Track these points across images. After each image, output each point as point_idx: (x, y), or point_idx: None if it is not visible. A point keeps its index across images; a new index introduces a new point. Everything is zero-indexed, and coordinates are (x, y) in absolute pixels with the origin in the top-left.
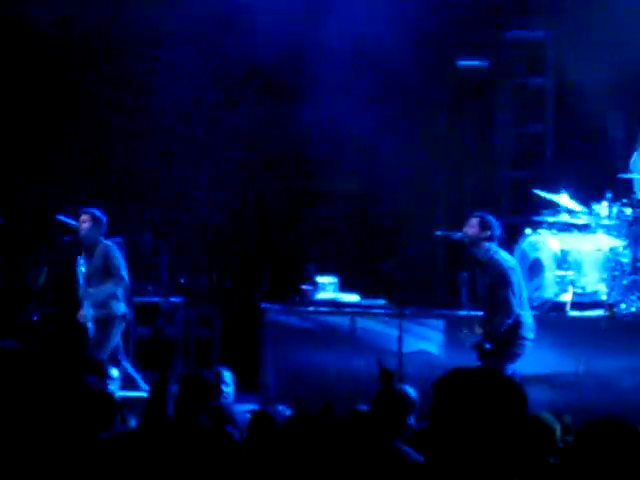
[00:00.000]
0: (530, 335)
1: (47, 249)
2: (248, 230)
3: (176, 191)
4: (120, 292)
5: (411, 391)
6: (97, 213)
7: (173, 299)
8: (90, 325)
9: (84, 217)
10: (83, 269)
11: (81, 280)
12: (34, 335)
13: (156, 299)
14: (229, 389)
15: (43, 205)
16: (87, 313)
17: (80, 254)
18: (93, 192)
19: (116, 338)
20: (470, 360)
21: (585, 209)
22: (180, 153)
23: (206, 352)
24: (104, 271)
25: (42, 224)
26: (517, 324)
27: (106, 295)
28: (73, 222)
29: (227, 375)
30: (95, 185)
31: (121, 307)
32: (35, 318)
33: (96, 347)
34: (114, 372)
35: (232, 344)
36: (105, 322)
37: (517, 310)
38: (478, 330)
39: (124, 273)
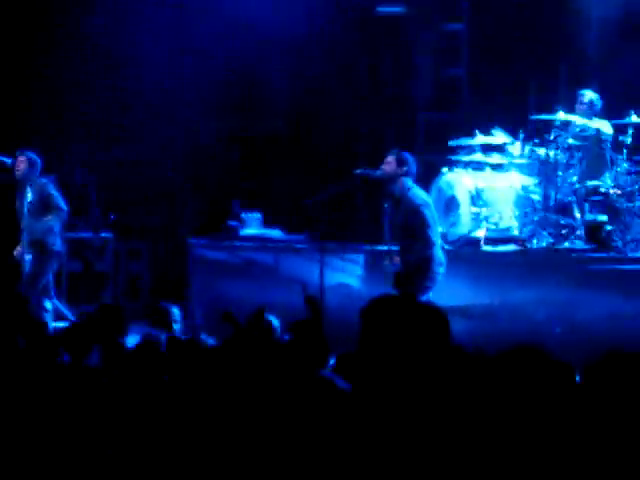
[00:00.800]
0: (440, 269)
1: None
2: (177, 166)
3: (105, 127)
4: (58, 227)
5: None
6: (32, 155)
7: (103, 234)
8: (27, 258)
9: (20, 158)
10: (21, 206)
11: (21, 217)
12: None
13: (87, 234)
14: (177, 325)
15: None
16: (23, 249)
17: (16, 193)
18: (26, 128)
19: (49, 273)
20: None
21: (507, 141)
22: (113, 89)
23: (136, 285)
24: (42, 207)
25: None
26: (428, 258)
27: (47, 227)
28: (8, 160)
29: (175, 312)
30: (27, 122)
31: (58, 242)
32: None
33: (31, 281)
34: (47, 305)
35: (161, 277)
36: (41, 257)
37: (434, 240)
38: (397, 259)
39: (63, 205)
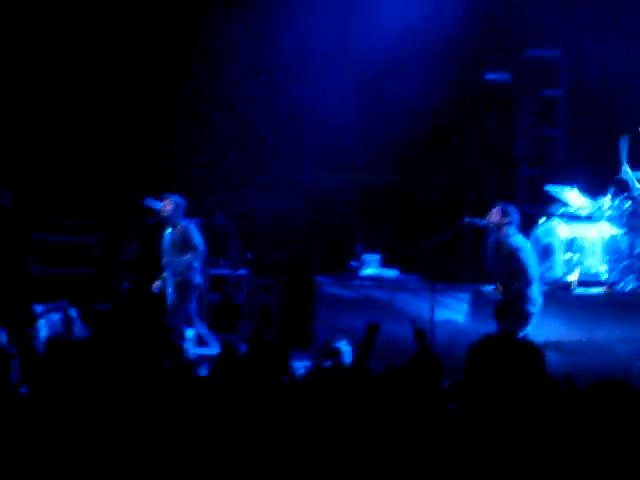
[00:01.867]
0: (534, 309)
1: (137, 228)
2: (306, 214)
3: (244, 176)
4: (197, 264)
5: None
6: (177, 199)
7: (241, 271)
8: (170, 291)
9: (167, 202)
10: (165, 245)
11: (164, 253)
12: (123, 300)
13: (226, 271)
14: (345, 358)
15: (135, 191)
16: (163, 283)
17: (162, 232)
18: (175, 182)
19: (191, 304)
20: (491, 328)
21: (591, 200)
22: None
23: (268, 317)
24: (183, 246)
25: (134, 208)
26: (524, 297)
27: (186, 264)
28: (157, 203)
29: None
30: (177, 176)
31: (197, 277)
32: (125, 286)
33: (173, 311)
34: (189, 333)
35: (290, 311)
36: (182, 289)
37: (531, 279)
38: (500, 289)
39: (201, 246)
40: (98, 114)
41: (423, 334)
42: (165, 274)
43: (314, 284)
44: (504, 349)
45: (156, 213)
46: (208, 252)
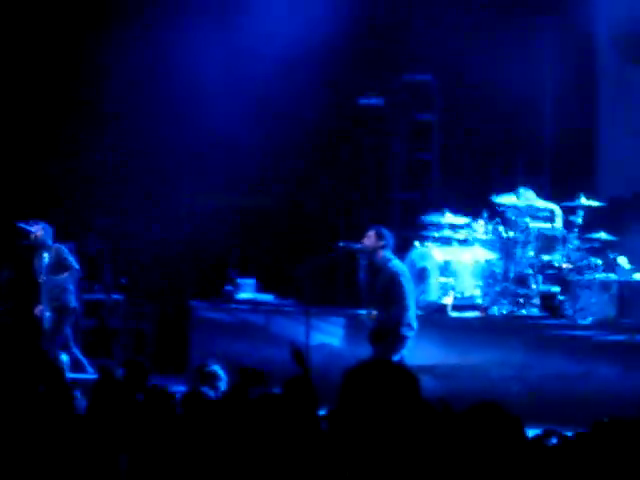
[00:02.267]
0: (410, 333)
1: (8, 251)
2: (180, 237)
3: (117, 202)
4: (72, 286)
5: None
6: (44, 225)
7: (115, 296)
8: (47, 315)
9: (35, 227)
10: (41, 267)
11: (39, 275)
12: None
13: (101, 296)
14: (221, 383)
15: (7, 213)
16: (43, 307)
17: (36, 255)
18: (48, 205)
19: (67, 328)
20: (366, 352)
21: (468, 220)
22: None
23: (142, 341)
24: (58, 267)
25: (7, 231)
26: (401, 322)
27: (62, 286)
28: (31, 228)
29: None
30: (50, 199)
31: (73, 300)
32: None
33: (51, 334)
34: (64, 357)
35: (165, 335)
36: (59, 312)
37: (409, 305)
38: (374, 316)
39: (76, 265)
40: None
41: (302, 356)
42: (42, 297)
43: (189, 308)
44: (379, 374)
45: (29, 236)
46: (82, 276)
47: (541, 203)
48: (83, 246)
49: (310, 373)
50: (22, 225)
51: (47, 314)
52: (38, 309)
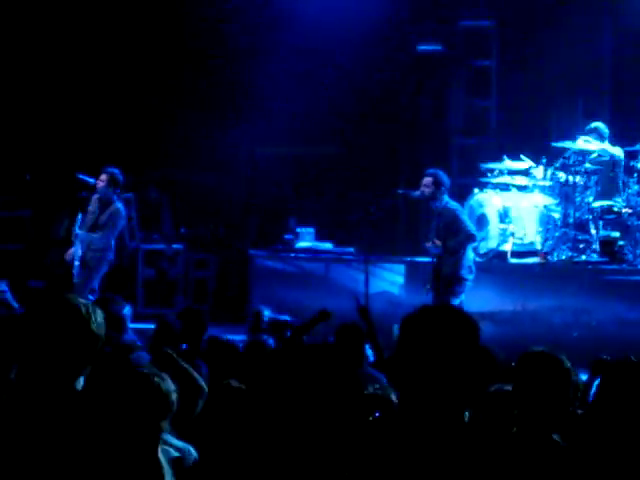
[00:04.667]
0: (469, 276)
1: (69, 203)
2: (239, 187)
3: (177, 153)
4: (109, 242)
5: None
6: (115, 172)
7: (175, 246)
8: (76, 264)
9: (103, 176)
10: (89, 220)
11: (78, 225)
12: (55, 276)
13: (161, 246)
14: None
15: (67, 164)
16: (75, 252)
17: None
18: (108, 157)
19: (97, 279)
20: (426, 299)
21: (528, 166)
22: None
23: (203, 291)
24: (100, 221)
25: (66, 181)
26: (458, 266)
27: (101, 241)
28: (91, 180)
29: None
30: (110, 151)
31: (110, 253)
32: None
33: (79, 286)
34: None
35: (225, 284)
36: (91, 262)
37: (470, 233)
38: (438, 242)
39: (117, 224)
40: (28, 88)
41: (367, 311)
42: (76, 246)
43: (248, 257)
44: (439, 319)
45: (89, 187)
46: (142, 228)
47: (601, 147)
48: (142, 196)
49: (374, 328)
50: (82, 177)
51: (76, 263)
52: (68, 253)
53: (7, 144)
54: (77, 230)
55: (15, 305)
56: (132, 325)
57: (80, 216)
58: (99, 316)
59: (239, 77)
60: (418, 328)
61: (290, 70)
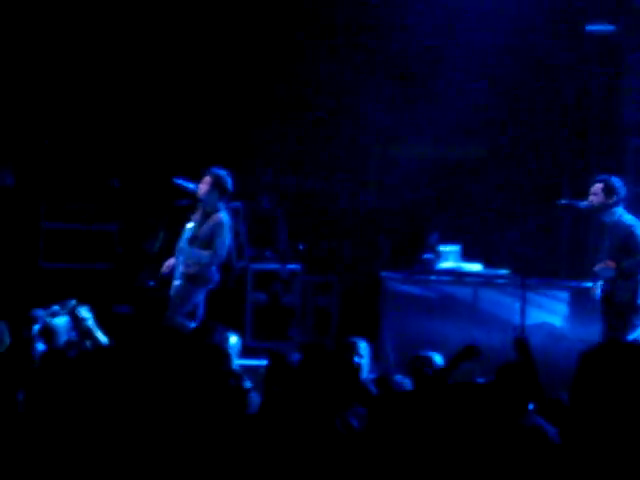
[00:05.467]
0: None
1: (165, 213)
2: (368, 197)
3: (295, 155)
4: (214, 264)
5: None
6: (221, 175)
7: (291, 266)
8: (177, 282)
9: (206, 178)
10: (190, 232)
11: (183, 239)
12: (149, 301)
13: (274, 266)
14: (363, 361)
15: (163, 170)
16: (176, 267)
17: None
18: (210, 154)
19: (197, 299)
20: (594, 333)
21: None
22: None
23: (325, 320)
24: (207, 242)
25: (160, 188)
26: (635, 293)
27: (197, 259)
28: (191, 185)
29: (362, 346)
30: (212, 146)
31: (215, 273)
32: (151, 283)
33: (175, 305)
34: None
35: (351, 312)
36: (192, 280)
37: None
38: (610, 264)
39: (222, 250)
40: (120, 80)
41: (526, 345)
42: (177, 259)
43: (380, 281)
44: (622, 359)
45: (189, 195)
46: (251, 244)
47: None
48: (254, 207)
49: (535, 365)
50: (180, 181)
51: (176, 282)
52: (166, 265)
53: (91, 144)
54: (181, 243)
55: (99, 334)
56: (239, 361)
57: (186, 227)
58: None
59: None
60: (597, 370)
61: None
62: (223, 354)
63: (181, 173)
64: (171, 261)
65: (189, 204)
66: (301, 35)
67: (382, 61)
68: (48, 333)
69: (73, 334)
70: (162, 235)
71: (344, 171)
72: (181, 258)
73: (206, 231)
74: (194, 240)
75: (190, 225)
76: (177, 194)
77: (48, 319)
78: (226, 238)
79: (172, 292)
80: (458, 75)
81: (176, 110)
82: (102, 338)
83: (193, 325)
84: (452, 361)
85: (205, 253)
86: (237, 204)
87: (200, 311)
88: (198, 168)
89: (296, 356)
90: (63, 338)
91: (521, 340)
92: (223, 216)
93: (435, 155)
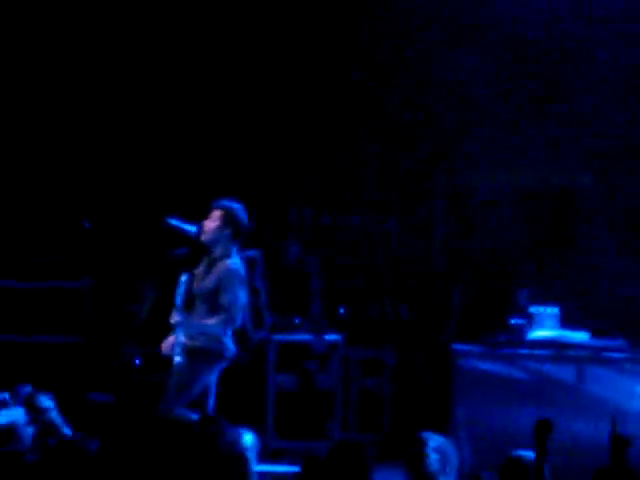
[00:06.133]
0: None
1: (154, 267)
2: (435, 241)
3: (334, 187)
4: (227, 332)
5: None
6: (235, 209)
7: (329, 337)
8: (177, 359)
9: (215, 213)
10: (190, 285)
11: (179, 301)
12: (133, 385)
13: (305, 337)
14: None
15: (152, 204)
16: (176, 343)
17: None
18: (215, 185)
19: (207, 380)
20: None
21: None
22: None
23: (374, 408)
24: (213, 300)
25: (148, 231)
26: None
27: (203, 329)
28: (191, 227)
29: (434, 441)
30: (218, 175)
31: (229, 344)
32: (136, 362)
33: (174, 390)
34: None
35: (410, 398)
36: (199, 355)
37: None
38: None
39: (238, 313)
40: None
41: (624, 444)
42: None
43: (451, 356)
44: None
45: (189, 240)
46: (275, 307)
47: None
48: (279, 256)
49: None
50: (176, 223)
51: (177, 359)
52: (166, 344)
53: (56, 174)
54: (178, 308)
55: (65, 430)
56: (259, 468)
57: (182, 285)
58: None
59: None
60: None
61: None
62: (240, 459)
63: (177, 212)
64: (171, 339)
65: (188, 254)
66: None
67: None
68: None
69: (30, 430)
70: (150, 298)
71: (400, 208)
72: (181, 330)
73: (211, 284)
74: (190, 302)
75: (190, 279)
76: (171, 239)
77: None
78: (240, 293)
79: (174, 373)
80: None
81: (168, 128)
82: (69, 435)
83: (194, 418)
84: (538, 451)
85: (212, 321)
86: (254, 252)
87: (211, 399)
88: (200, 204)
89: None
90: (19, 437)
91: (619, 438)
92: (235, 263)
93: (525, 184)
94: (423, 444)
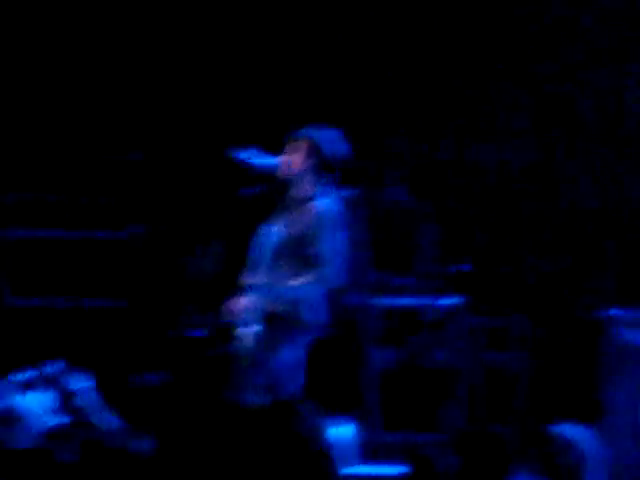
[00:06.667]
0: None
1: (220, 212)
2: (581, 178)
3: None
4: (320, 293)
5: None
6: (325, 137)
7: (446, 300)
8: (253, 329)
9: (298, 144)
10: (270, 242)
11: (254, 255)
12: (194, 363)
13: (415, 300)
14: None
15: (216, 135)
16: (251, 308)
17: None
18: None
19: (292, 358)
20: None
21: None
22: None
23: (505, 391)
24: (300, 253)
25: (212, 167)
26: None
27: (288, 295)
28: (267, 160)
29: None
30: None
31: (321, 310)
32: (198, 334)
33: (252, 365)
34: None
35: (549, 375)
36: (283, 324)
37: None
38: None
39: (333, 270)
40: None
41: None
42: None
43: (602, 325)
44: None
45: (263, 177)
46: (374, 263)
47: None
48: (380, 198)
49: None
50: (244, 155)
51: (252, 328)
52: (234, 310)
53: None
54: (253, 265)
55: (107, 420)
56: (358, 469)
57: (261, 233)
58: None
59: None
60: None
61: None
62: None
63: (249, 142)
64: (240, 301)
65: (262, 193)
66: None
67: None
68: (11, 421)
69: (59, 420)
70: (217, 249)
71: (539, 144)
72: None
73: (296, 233)
74: (277, 258)
75: (269, 229)
76: (240, 177)
77: (14, 396)
78: (336, 243)
79: (244, 346)
80: None
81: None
82: (111, 425)
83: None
84: None
85: (300, 280)
86: (352, 192)
87: (297, 380)
88: (277, 133)
89: (453, 459)
90: (41, 427)
91: None
92: (328, 204)
93: None
94: (561, 439)
